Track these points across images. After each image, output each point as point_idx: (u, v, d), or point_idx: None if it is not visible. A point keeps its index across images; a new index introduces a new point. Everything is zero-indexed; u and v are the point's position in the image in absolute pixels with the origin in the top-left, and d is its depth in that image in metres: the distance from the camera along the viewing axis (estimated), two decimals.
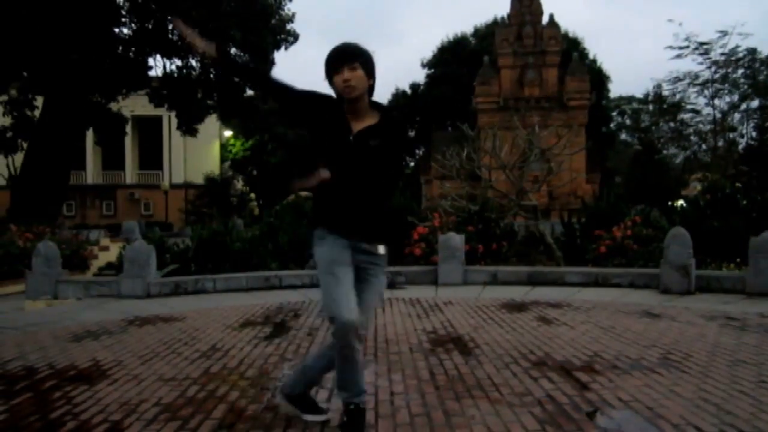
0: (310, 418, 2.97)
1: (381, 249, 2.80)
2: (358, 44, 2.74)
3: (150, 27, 20.99)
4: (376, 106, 2.81)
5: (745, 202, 9.63)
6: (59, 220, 20.62)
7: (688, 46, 34.45)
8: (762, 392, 3.27)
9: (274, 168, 38.70)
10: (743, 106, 36.64)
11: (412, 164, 48.61)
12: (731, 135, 37.75)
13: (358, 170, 2.70)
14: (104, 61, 19.50)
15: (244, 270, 8.96)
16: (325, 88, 2.83)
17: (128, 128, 40.11)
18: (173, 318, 6.12)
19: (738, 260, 8.37)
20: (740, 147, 38.22)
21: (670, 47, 38.10)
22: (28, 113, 21.60)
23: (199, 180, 41.38)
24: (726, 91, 35.81)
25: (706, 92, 36.00)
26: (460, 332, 5.09)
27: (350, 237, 2.72)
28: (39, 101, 21.97)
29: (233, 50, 22.47)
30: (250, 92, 23.96)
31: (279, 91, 2.83)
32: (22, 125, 21.44)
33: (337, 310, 2.59)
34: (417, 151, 45.79)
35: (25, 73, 20.14)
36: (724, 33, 33.53)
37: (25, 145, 21.86)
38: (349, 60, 2.66)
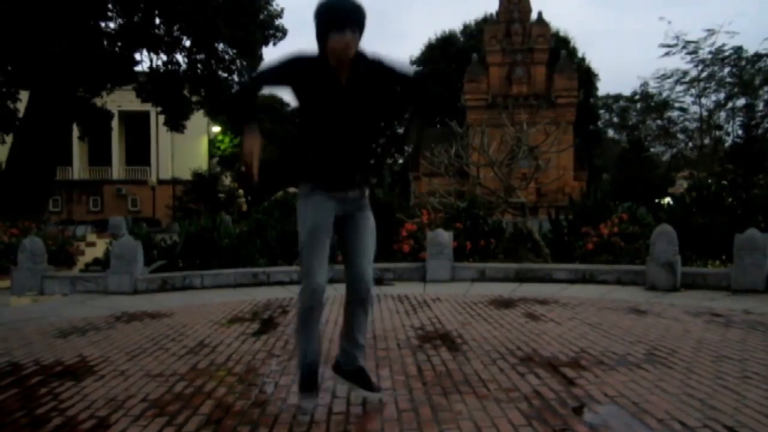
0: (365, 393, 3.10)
1: (365, 191, 2.94)
2: (361, 5, 2.74)
3: (136, 21, 20.81)
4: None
5: (730, 199, 9.70)
6: (45, 216, 20.45)
7: (676, 45, 34.72)
8: (746, 387, 3.30)
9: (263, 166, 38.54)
10: (729, 105, 36.93)
11: (400, 161, 48.67)
12: (717, 133, 38.07)
13: (350, 116, 2.78)
14: (90, 55, 19.31)
15: (232, 266, 8.93)
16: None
17: (115, 123, 40.02)
18: (161, 314, 6.10)
19: (723, 257, 8.44)
20: (726, 145, 38.54)
21: (661, 45, 38.31)
22: (11, 105, 21.29)
23: (186, 176, 41.21)
24: (712, 90, 36.10)
25: (693, 90, 36.28)
26: (447, 328, 5.11)
27: (339, 188, 2.83)
28: (23, 95, 21.71)
29: (221, 46, 22.35)
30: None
31: (257, 86, 2.94)
32: (4, 118, 21.15)
33: (309, 275, 2.82)
34: (406, 148, 45.81)
35: (9, 67, 19.91)
36: (712, 32, 33.82)
37: (6, 139, 21.60)
38: (355, 24, 2.68)
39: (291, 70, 2.81)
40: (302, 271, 2.89)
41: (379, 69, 2.87)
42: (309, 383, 3.00)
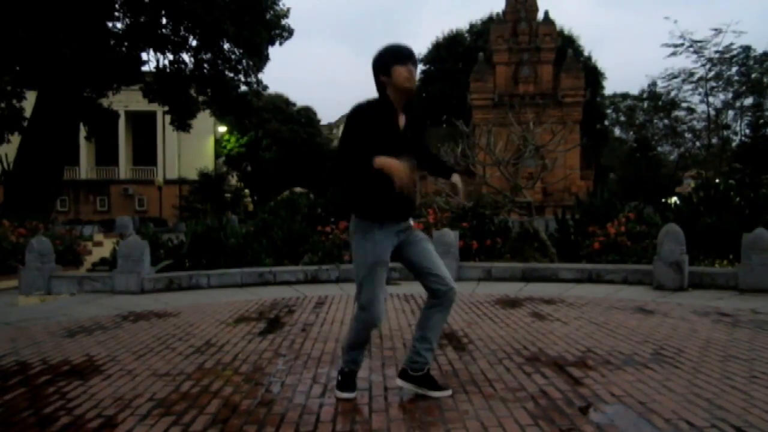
0: (437, 394, 3.20)
1: (411, 221, 3.26)
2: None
3: (143, 21, 20.86)
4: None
5: (738, 199, 9.66)
6: (52, 216, 20.52)
7: (682, 44, 34.60)
8: (753, 387, 3.29)
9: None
10: (737, 104, 36.76)
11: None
12: (725, 132, 37.91)
13: (406, 157, 3.03)
14: (97, 55, 19.37)
15: (238, 266, 8.94)
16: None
17: (122, 123, 40.17)
18: (167, 313, 6.12)
19: (731, 257, 8.41)
20: (734, 144, 38.38)
21: (666, 45, 38.05)
22: (16, 104, 21.32)
23: (193, 176, 41.30)
24: (720, 89, 35.94)
25: (700, 90, 36.13)
26: (454, 328, 5.10)
27: (398, 221, 3.10)
28: (29, 94, 21.77)
29: (227, 46, 22.39)
30: (243, 88, 23.86)
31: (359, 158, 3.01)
32: (10, 117, 21.19)
33: (372, 306, 3.07)
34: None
35: (17, 67, 19.98)
36: (719, 31, 33.72)
37: (11, 138, 21.65)
38: (414, 60, 3.06)
39: (363, 119, 3.03)
40: (363, 301, 3.12)
41: (422, 121, 3.26)
42: (351, 384, 3.26)
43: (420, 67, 46.34)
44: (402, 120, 3.10)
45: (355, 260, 3.14)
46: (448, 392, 3.22)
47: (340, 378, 3.27)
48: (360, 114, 3.01)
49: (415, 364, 3.20)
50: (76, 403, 3.19)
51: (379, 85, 3.06)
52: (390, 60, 2.99)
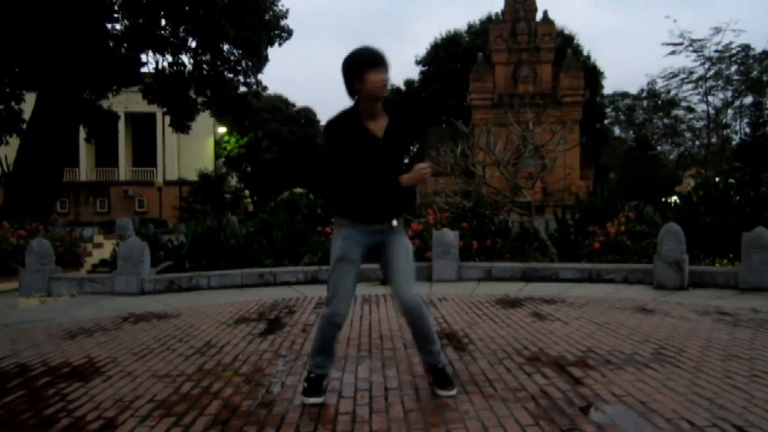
0: (441, 392, 3.23)
1: (394, 222, 3.17)
2: None
3: (142, 22, 20.85)
4: (385, 105, 3.12)
5: (738, 197, 9.65)
6: (52, 218, 20.51)
7: (682, 43, 34.59)
8: (754, 387, 3.28)
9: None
10: (737, 103, 36.73)
11: (406, 161, 48.71)
12: (725, 131, 37.89)
13: (384, 166, 3.07)
14: (96, 57, 19.36)
15: (238, 266, 8.94)
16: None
17: (122, 125, 40.14)
18: (167, 315, 6.11)
19: (731, 255, 8.40)
20: (734, 143, 38.35)
21: (665, 44, 38.05)
22: (15, 106, 21.28)
23: (193, 177, 41.31)
24: (720, 88, 35.91)
25: (699, 89, 36.11)
26: (454, 328, 5.10)
27: (372, 223, 3.10)
28: (28, 96, 21.72)
29: (226, 47, 22.39)
30: (243, 89, 23.85)
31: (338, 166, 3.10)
32: (9, 119, 21.15)
33: (333, 301, 3.11)
34: (411, 148, 45.77)
35: (16, 69, 19.96)
36: (718, 30, 33.69)
37: (10, 140, 21.63)
38: (386, 64, 2.97)
39: (337, 132, 3.04)
40: (327, 296, 3.18)
41: (405, 122, 3.24)
42: (315, 390, 3.20)
43: (419, 68, 46.39)
44: (381, 124, 3.08)
45: (330, 256, 3.22)
46: (453, 392, 3.22)
47: (306, 384, 3.22)
48: (331, 128, 3.06)
49: (422, 359, 3.37)
50: (77, 405, 3.19)
51: (350, 90, 3.02)
52: (363, 65, 2.92)
